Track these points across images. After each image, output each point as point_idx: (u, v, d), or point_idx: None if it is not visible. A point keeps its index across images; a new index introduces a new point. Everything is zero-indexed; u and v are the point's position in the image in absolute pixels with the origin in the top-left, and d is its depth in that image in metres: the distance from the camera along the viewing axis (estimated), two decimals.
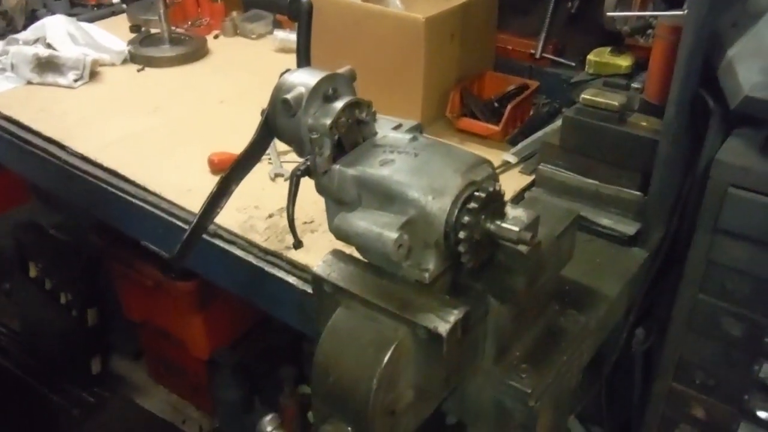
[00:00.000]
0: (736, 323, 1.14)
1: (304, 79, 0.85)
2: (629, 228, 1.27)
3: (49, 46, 1.95)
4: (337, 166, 0.85)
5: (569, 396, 1.14)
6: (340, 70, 0.88)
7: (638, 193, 1.27)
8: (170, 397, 2.46)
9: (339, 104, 0.85)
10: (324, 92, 0.85)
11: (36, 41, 1.98)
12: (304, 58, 0.91)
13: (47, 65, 1.88)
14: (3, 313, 2.65)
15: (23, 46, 1.92)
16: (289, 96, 0.83)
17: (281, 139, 0.91)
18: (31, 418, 2.34)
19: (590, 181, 1.32)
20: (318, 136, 0.83)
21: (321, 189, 0.88)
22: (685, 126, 1.19)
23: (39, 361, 2.48)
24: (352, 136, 0.87)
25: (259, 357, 2.21)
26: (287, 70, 0.88)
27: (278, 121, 0.88)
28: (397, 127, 0.92)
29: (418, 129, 0.93)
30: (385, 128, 0.92)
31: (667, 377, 1.27)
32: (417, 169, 0.83)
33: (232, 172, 0.96)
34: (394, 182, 0.81)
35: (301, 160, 0.91)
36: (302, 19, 0.90)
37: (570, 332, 1.07)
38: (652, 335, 1.34)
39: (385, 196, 0.82)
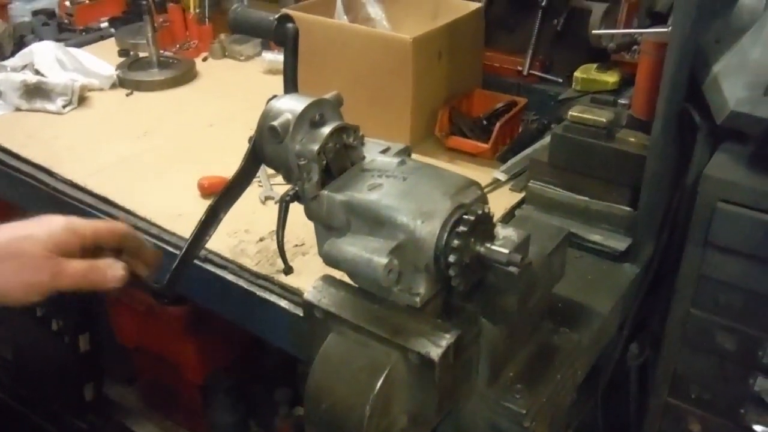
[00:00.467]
0: (730, 337, 1.14)
1: (291, 106, 0.85)
2: (620, 244, 1.28)
3: (37, 72, 1.95)
4: (325, 192, 0.85)
5: (564, 414, 1.14)
6: (327, 96, 0.88)
7: (628, 208, 1.27)
8: (165, 422, 2.43)
9: (326, 130, 0.85)
10: (311, 118, 0.85)
11: (24, 67, 1.97)
12: (291, 84, 0.91)
13: (35, 91, 1.88)
14: None
15: (11, 73, 1.92)
16: (276, 123, 0.83)
17: (269, 165, 0.91)
18: None
19: (580, 197, 1.32)
20: (306, 162, 0.83)
21: (310, 214, 0.88)
22: (672, 141, 1.20)
23: (31, 388, 2.45)
24: (340, 161, 0.87)
25: (254, 380, 2.19)
26: (274, 97, 0.88)
27: (266, 148, 0.88)
28: (385, 151, 0.93)
29: (406, 152, 0.94)
30: (372, 152, 0.92)
31: (662, 392, 1.27)
32: (405, 193, 0.83)
33: (220, 200, 0.95)
34: (382, 207, 0.81)
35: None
36: (288, 45, 0.91)
37: (563, 350, 1.07)
38: (646, 350, 1.34)
39: (374, 221, 0.82)
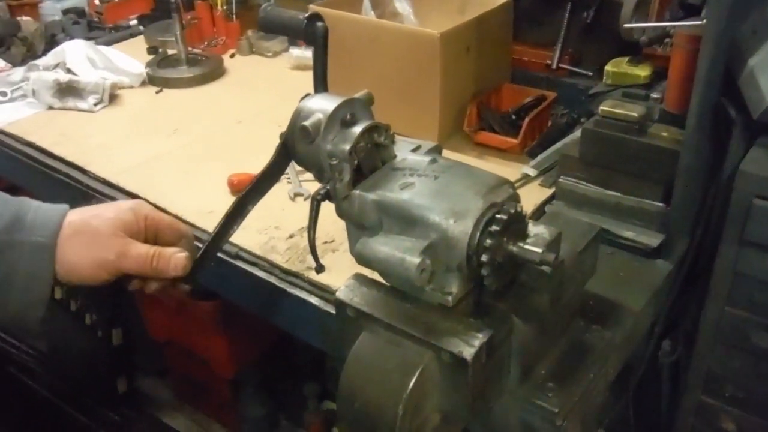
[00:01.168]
0: (766, 335, 1.12)
1: (322, 105, 0.85)
2: (652, 240, 1.26)
3: (69, 70, 1.98)
4: (357, 191, 0.85)
5: (596, 413, 1.13)
6: (358, 95, 0.88)
7: (661, 204, 1.25)
8: (196, 415, 2.47)
9: (357, 129, 0.85)
10: (342, 118, 0.85)
11: (56, 66, 2.01)
12: (321, 83, 0.91)
13: (67, 90, 1.91)
14: (31, 336, 2.67)
15: (43, 72, 1.95)
16: (307, 123, 0.83)
17: (301, 164, 0.91)
18: None
19: (611, 193, 1.30)
20: (337, 162, 0.84)
21: (342, 214, 0.89)
22: (707, 136, 1.18)
23: (66, 381, 2.50)
24: (371, 160, 0.87)
25: (283, 374, 2.21)
26: (306, 95, 0.88)
27: (297, 147, 0.88)
28: (416, 149, 0.92)
29: (437, 150, 0.93)
30: (403, 150, 0.92)
31: (696, 390, 1.25)
32: (437, 192, 0.82)
33: (248, 194, 0.96)
34: (414, 206, 0.81)
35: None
36: (318, 44, 0.91)
37: (596, 348, 1.06)
38: (678, 347, 1.32)
39: (406, 221, 0.82)
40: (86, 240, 0.91)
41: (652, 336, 1.30)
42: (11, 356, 2.56)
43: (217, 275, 1.36)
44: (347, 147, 0.83)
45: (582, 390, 1.00)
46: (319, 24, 0.95)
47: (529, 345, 0.97)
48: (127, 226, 0.94)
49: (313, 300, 1.22)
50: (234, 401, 2.23)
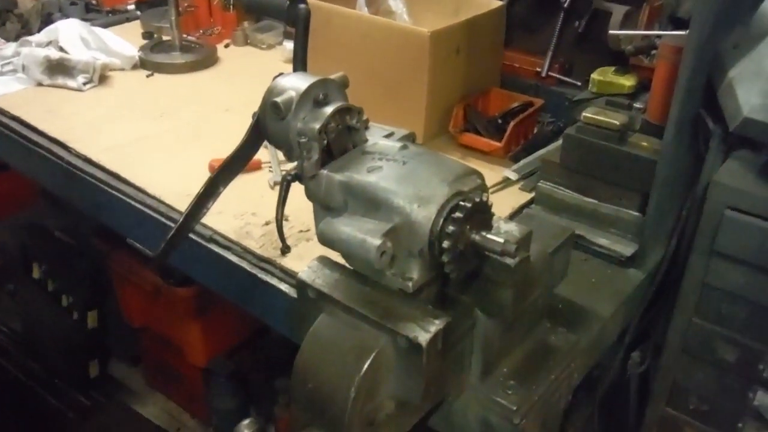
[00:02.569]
0: (731, 348, 1.12)
1: (296, 84, 0.85)
2: (626, 249, 1.26)
3: (61, 49, 1.97)
4: (324, 171, 0.84)
5: (558, 416, 1.12)
6: (333, 76, 0.88)
7: (637, 213, 1.26)
8: (167, 404, 2.46)
9: (329, 109, 0.85)
10: (314, 97, 0.85)
11: (48, 44, 2.00)
12: (300, 64, 0.91)
13: (57, 68, 1.90)
14: (6, 314, 2.66)
15: (35, 48, 1.94)
16: (279, 99, 0.83)
17: (271, 142, 0.91)
18: (27, 419, 2.34)
19: (589, 200, 1.31)
20: (306, 140, 0.83)
21: (309, 194, 0.88)
22: (685, 147, 1.18)
23: (38, 362, 2.48)
24: (341, 142, 0.87)
25: (256, 367, 2.20)
26: (280, 74, 0.88)
27: (269, 125, 0.88)
28: (389, 135, 0.92)
29: (410, 138, 0.93)
30: (376, 136, 0.92)
31: (660, 402, 1.25)
32: (404, 177, 0.82)
33: (220, 174, 0.96)
34: (380, 189, 0.81)
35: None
36: (299, 25, 0.91)
37: (560, 350, 1.05)
38: (647, 358, 1.32)
39: (370, 203, 0.81)
40: None
41: (621, 346, 1.30)
42: None
43: (190, 258, 1.35)
44: (317, 126, 0.83)
45: (543, 390, 0.99)
46: (302, 6, 0.95)
47: (492, 341, 0.97)
48: None
49: (283, 287, 1.21)
50: (205, 392, 2.22)
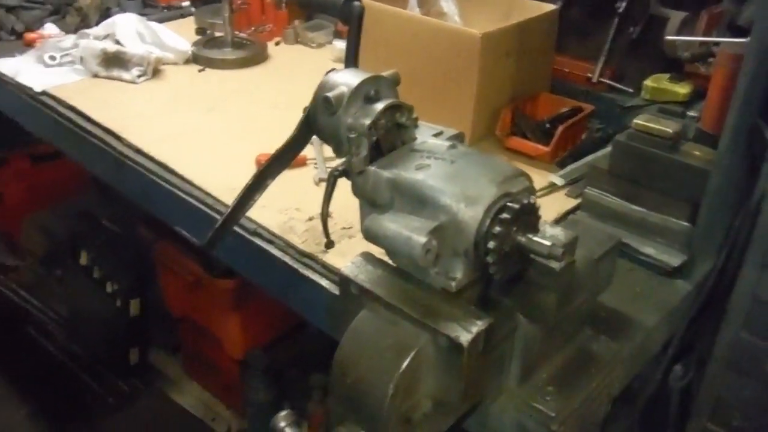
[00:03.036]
0: None
1: (347, 79, 0.85)
2: (674, 259, 1.23)
3: (117, 42, 2.02)
4: (372, 168, 0.85)
5: (597, 426, 1.10)
6: (384, 73, 0.88)
7: (686, 224, 1.23)
8: (202, 394, 2.49)
9: (379, 106, 0.85)
10: (366, 93, 0.86)
11: (106, 37, 2.05)
12: (352, 60, 0.92)
13: (113, 60, 1.95)
14: (53, 299, 2.73)
15: (93, 41, 2.00)
16: (330, 94, 0.84)
17: (320, 136, 0.92)
18: (67, 401, 2.40)
19: (637, 208, 1.28)
20: (356, 135, 0.84)
21: (356, 190, 0.89)
22: (740, 157, 1.15)
23: (81, 347, 2.54)
24: (390, 139, 0.87)
25: (292, 362, 2.22)
26: (332, 70, 0.88)
27: (319, 119, 0.89)
28: (437, 134, 0.92)
29: (459, 138, 0.93)
30: (425, 134, 0.92)
31: (702, 417, 1.22)
32: (452, 175, 0.82)
33: (268, 167, 0.97)
34: (427, 187, 0.81)
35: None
36: (353, 23, 0.91)
37: (601, 359, 1.04)
38: (690, 372, 1.28)
39: (417, 201, 0.81)
40: None
41: (665, 358, 1.27)
42: (32, 317, 2.61)
43: (234, 250, 1.37)
44: (367, 122, 0.84)
45: (582, 398, 0.98)
46: (356, 3, 0.96)
47: (532, 345, 0.96)
48: None
49: (324, 282, 1.22)
50: (241, 384, 2.24)
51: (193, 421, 2.41)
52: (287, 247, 1.30)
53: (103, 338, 2.48)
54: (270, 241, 1.32)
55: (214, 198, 1.44)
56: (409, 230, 0.78)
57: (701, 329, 1.26)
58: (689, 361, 1.29)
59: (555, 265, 0.83)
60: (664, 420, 1.38)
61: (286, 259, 1.29)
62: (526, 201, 0.80)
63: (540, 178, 1.50)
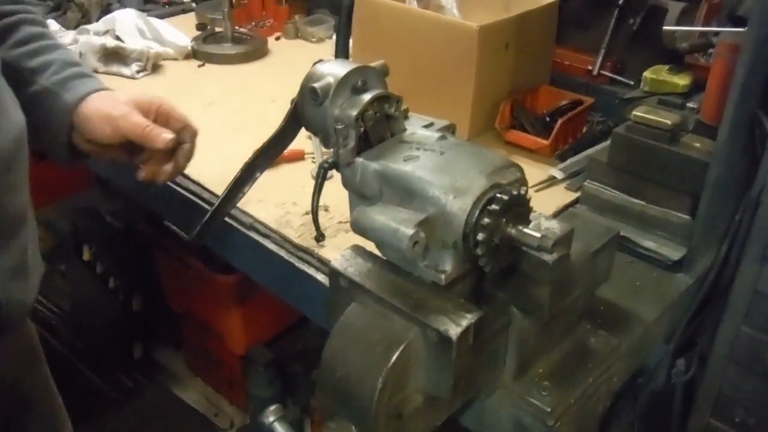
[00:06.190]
0: None
1: (334, 70, 0.84)
2: (674, 252, 1.22)
3: (117, 38, 2.02)
4: (360, 159, 0.83)
5: (595, 422, 1.09)
6: (373, 64, 0.87)
7: (687, 216, 1.21)
8: (205, 389, 2.49)
9: (367, 96, 0.84)
10: (353, 84, 0.84)
11: (106, 33, 2.05)
12: (341, 51, 0.91)
13: (113, 55, 1.94)
14: (57, 294, 2.74)
15: (92, 36, 1.99)
16: (317, 85, 0.83)
17: (308, 128, 0.90)
18: (72, 396, 2.39)
19: (636, 201, 1.26)
20: (343, 126, 0.83)
21: (344, 182, 0.87)
22: (740, 148, 1.13)
23: (84, 341, 2.55)
24: (379, 130, 0.86)
25: (294, 357, 2.21)
26: (319, 60, 0.87)
27: (306, 110, 0.87)
28: (428, 126, 0.91)
29: (449, 129, 0.91)
30: (415, 126, 0.90)
31: (704, 412, 1.20)
32: (441, 167, 0.81)
33: (256, 159, 0.96)
34: (415, 178, 0.79)
35: None
36: (342, 13, 0.90)
37: (599, 353, 1.02)
38: (693, 367, 1.27)
39: (405, 192, 0.80)
40: (103, 99, 1.09)
41: (666, 352, 1.26)
42: (35, 312, 2.61)
43: (230, 244, 1.37)
44: (354, 113, 0.82)
45: (579, 393, 0.97)
46: None
47: (527, 339, 0.94)
48: (140, 104, 1.10)
49: (320, 276, 1.21)
50: (244, 379, 2.24)
51: (196, 416, 2.41)
52: (283, 241, 1.30)
53: (106, 333, 2.49)
54: (266, 235, 1.31)
55: (211, 192, 1.43)
56: (397, 222, 0.77)
57: (703, 323, 1.24)
58: (692, 356, 1.27)
59: (548, 257, 0.82)
60: (666, 415, 1.37)
61: (282, 253, 1.28)
62: (516, 192, 0.79)
63: (540, 171, 1.48)
